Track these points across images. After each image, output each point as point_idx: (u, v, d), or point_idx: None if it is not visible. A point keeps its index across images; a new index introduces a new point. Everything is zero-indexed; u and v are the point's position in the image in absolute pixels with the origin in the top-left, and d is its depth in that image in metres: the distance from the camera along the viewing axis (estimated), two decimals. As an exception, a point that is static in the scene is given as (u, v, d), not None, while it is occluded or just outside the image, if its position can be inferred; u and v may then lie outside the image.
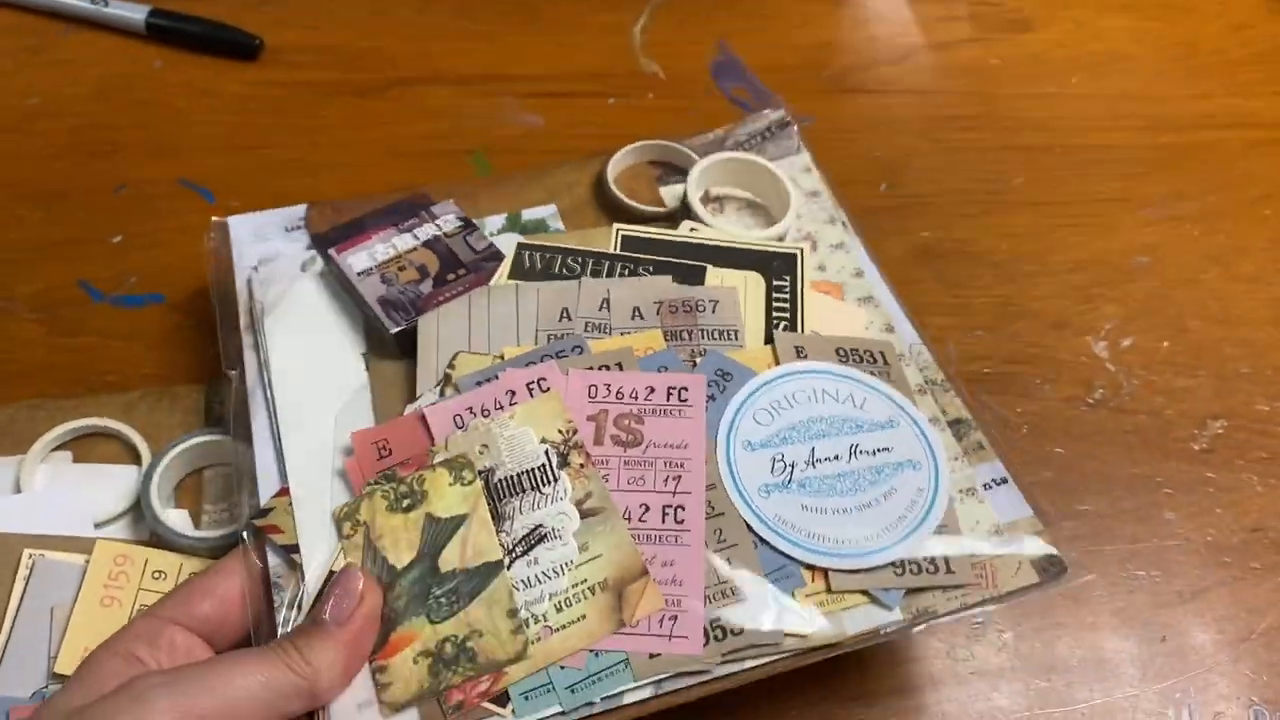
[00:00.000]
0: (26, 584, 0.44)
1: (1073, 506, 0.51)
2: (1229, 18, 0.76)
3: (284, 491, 0.43)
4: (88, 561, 0.45)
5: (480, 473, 0.42)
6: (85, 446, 0.50)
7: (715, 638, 0.39)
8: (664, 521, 0.41)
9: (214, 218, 0.53)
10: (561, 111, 0.68)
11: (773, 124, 0.57)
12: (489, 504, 0.41)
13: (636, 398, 0.44)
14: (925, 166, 0.65)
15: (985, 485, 0.44)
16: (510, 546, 0.41)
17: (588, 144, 0.62)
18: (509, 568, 0.40)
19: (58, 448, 0.50)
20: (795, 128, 0.57)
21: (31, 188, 0.63)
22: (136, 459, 0.49)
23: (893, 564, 0.41)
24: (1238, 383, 0.56)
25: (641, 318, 0.46)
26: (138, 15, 0.70)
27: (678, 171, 0.56)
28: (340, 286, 0.49)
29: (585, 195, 0.54)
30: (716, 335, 0.46)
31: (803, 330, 0.47)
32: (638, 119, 0.67)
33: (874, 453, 0.43)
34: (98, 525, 0.47)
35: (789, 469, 0.43)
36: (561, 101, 0.68)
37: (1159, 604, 0.49)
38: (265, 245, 0.51)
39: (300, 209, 0.53)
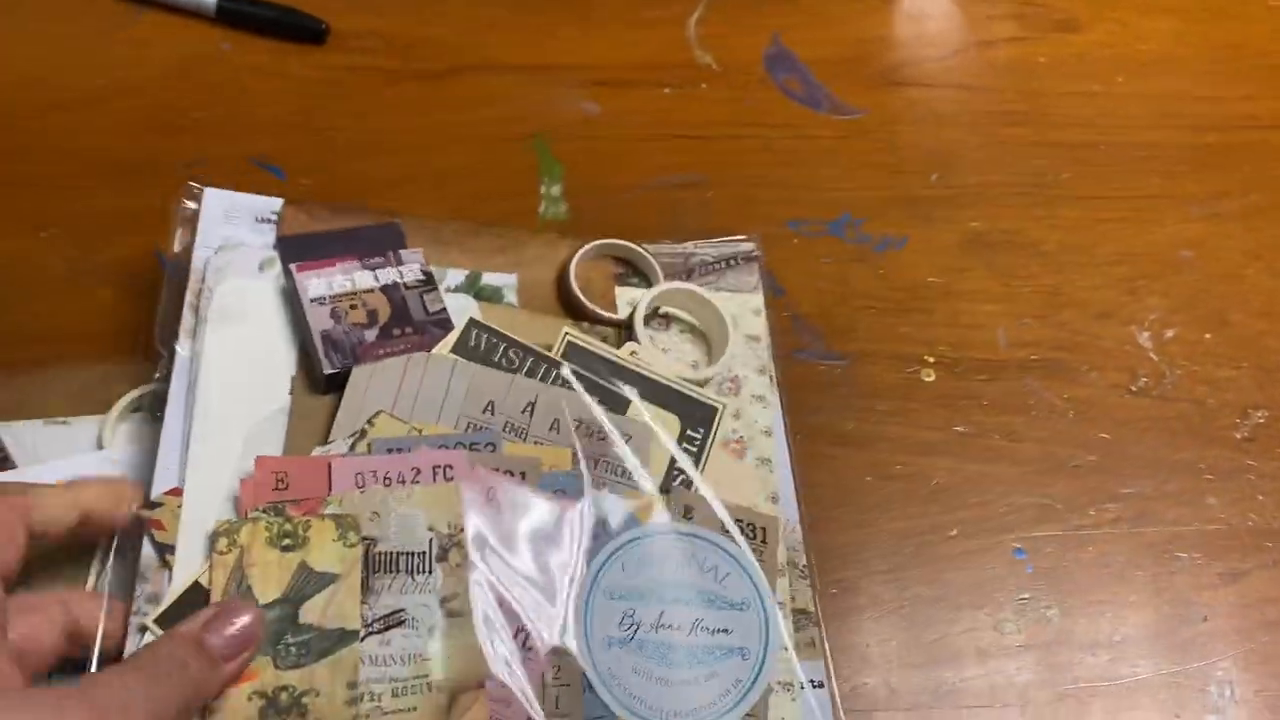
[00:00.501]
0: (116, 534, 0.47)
1: (1117, 490, 0.57)
2: (1275, 21, 0.80)
3: (176, 491, 0.47)
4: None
5: (364, 539, 0.46)
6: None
7: (528, 763, 0.44)
8: (514, 640, 0.46)
9: (192, 182, 0.54)
10: (618, 100, 0.71)
11: (741, 255, 0.60)
12: (362, 572, 0.46)
13: (529, 515, 0.47)
14: (974, 159, 0.70)
15: (804, 684, 0.49)
16: (369, 620, 0.45)
17: (645, 132, 0.69)
18: (362, 640, 0.45)
19: (136, 409, 0.53)
20: (759, 264, 0.60)
21: (108, 162, 0.65)
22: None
23: (692, 739, 0.46)
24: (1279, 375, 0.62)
25: (558, 431, 0.50)
26: None
27: (638, 273, 0.59)
28: (289, 302, 0.51)
29: (547, 275, 0.57)
30: (618, 472, 0.50)
31: (700, 488, 0.51)
32: (691, 109, 0.71)
33: (714, 632, 0.48)
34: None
35: (635, 627, 0.47)
36: (618, 90, 0.71)
37: (1200, 585, 0.55)
38: (231, 229, 0.53)
39: (275, 201, 0.55)
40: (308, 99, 0.69)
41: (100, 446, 0.51)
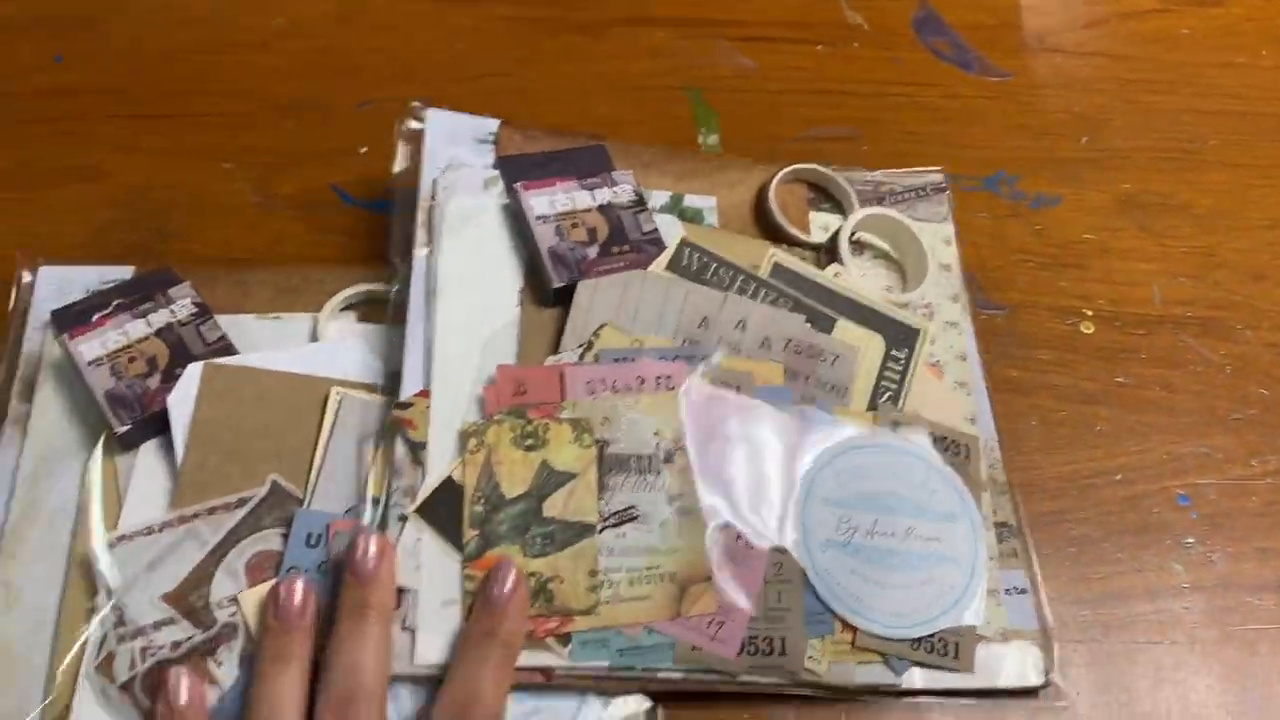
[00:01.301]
0: (335, 418, 0.52)
1: (1277, 443, 0.61)
2: None
3: (424, 393, 0.51)
4: (388, 401, 0.53)
5: (597, 441, 0.50)
6: (364, 311, 0.59)
7: (749, 650, 0.48)
8: (737, 541, 0.50)
9: (415, 102, 0.59)
10: (772, 56, 0.75)
11: (930, 185, 0.64)
12: (596, 471, 0.50)
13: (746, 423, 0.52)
14: (1122, 124, 0.73)
15: (1008, 590, 0.53)
16: (605, 515, 0.49)
17: (796, 85, 0.74)
18: (599, 533, 0.49)
19: (344, 308, 0.58)
20: (948, 194, 0.64)
21: (285, 99, 0.70)
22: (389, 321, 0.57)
23: (911, 640, 0.50)
24: None
25: (769, 349, 0.54)
26: None
27: (830, 199, 0.63)
28: (513, 219, 0.56)
29: (744, 198, 0.61)
30: (828, 387, 0.54)
31: (904, 405, 0.55)
32: (844, 66, 0.75)
33: (927, 540, 0.52)
34: (390, 376, 0.54)
35: (851, 532, 0.52)
36: (772, 46, 0.76)
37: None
38: (455, 150, 0.58)
39: (492, 123, 0.59)
40: (470, 46, 0.74)
41: (314, 339, 0.57)
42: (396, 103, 0.68)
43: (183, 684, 0.45)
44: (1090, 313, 0.65)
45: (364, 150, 0.68)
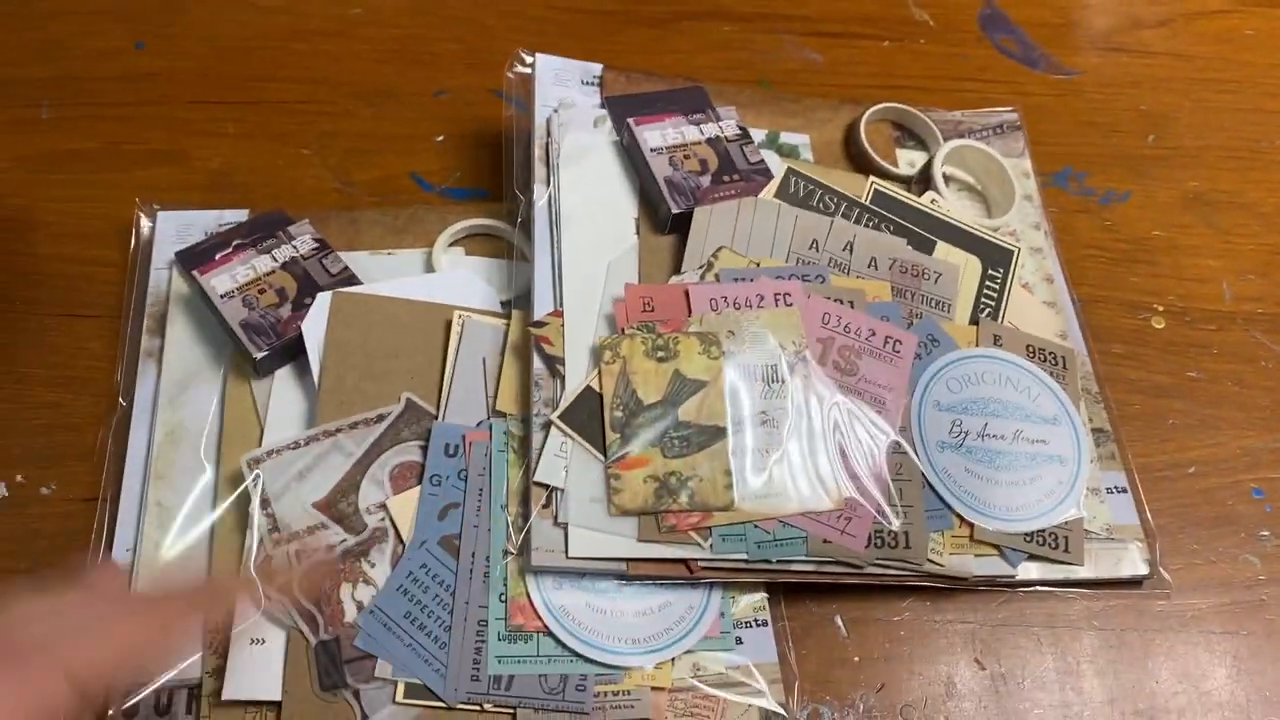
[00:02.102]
0: (460, 339, 0.56)
1: None
2: None
3: (558, 313, 0.55)
4: (506, 325, 0.57)
5: (724, 352, 0.54)
6: (469, 245, 0.64)
7: (875, 544, 0.52)
8: (860, 442, 0.54)
9: (523, 50, 0.64)
10: (839, 50, 0.79)
11: (1006, 123, 0.70)
12: (726, 379, 0.53)
13: (860, 335, 0.56)
14: (1189, 123, 0.76)
15: (1109, 489, 0.57)
16: (737, 420, 0.53)
17: (864, 80, 0.76)
18: (732, 436, 0.52)
19: (453, 243, 0.62)
20: (1024, 132, 0.70)
21: (362, 87, 0.74)
22: (518, 256, 0.61)
23: (1025, 533, 0.54)
24: None
25: (875, 268, 0.59)
26: None
27: (913, 137, 0.68)
28: (628, 151, 0.61)
29: (835, 135, 0.67)
30: (933, 303, 0.59)
31: (1003, 320, 0.60)
32: (911, 62, 0.79)
33: (1033, 441, 0.56)
34: (502, 302, 0.59)
35: (964, 434, 0.56)
36: (839, 41, 0.79)
37: None
38: (563, 90, 0.63)
39: (595, 66, 0.65)
40: (542, 38, 0.78)
41: (430, 272, 0.61)
42: (471, 92, 0.74)
43: None
44: (1161, 308, 0.67)
45: (440, 139, 0.71)
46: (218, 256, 0.58)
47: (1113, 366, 0.64)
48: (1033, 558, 0.54)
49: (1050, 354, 0.59)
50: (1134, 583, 0.56)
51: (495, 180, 0.68)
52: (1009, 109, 0.71)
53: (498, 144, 0.69)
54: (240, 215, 0.63)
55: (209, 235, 0.61)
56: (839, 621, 0.55)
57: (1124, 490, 0.58)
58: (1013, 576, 0.54)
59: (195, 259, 0.58)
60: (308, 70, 0.75)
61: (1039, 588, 0.55)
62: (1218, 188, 0.73)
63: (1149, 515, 0.57)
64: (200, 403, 0.56)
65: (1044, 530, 0.55)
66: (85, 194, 0.67)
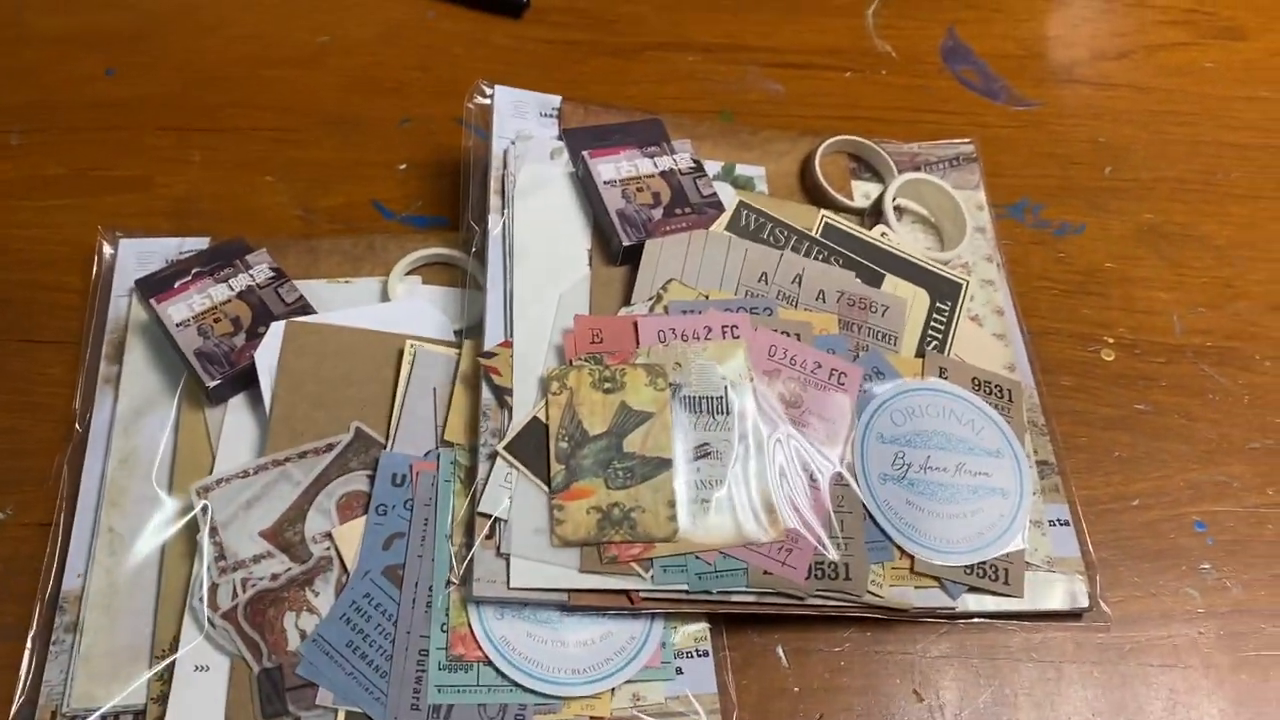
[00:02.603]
0: (411, 369, 0.57)
1: None
2: None
3: (507, 344, 0.56)
4: (458, 355, 0.58)
5: (670, 384, 0.55)
6: (425, 274, 0.65)
7: (816, 575, 0.53)
8: (802, 474, 0.55)
9: (483, 81, 0.65)
10: (802, 82, 0.80)
11: (962, 155, 0.71)
12: (670, 411, 0.54)
13: (805, 368, 0.57)
14: (1146, 154, 0.77)
15: (1051, 522, 0.58)
16: (681, 451, 0.54)
17: (826, 111, 0.77)
18: (676, 467, 0.53)
19: (410, 272, 0.63)
20: (979, 164, 0.71)
21: (328, 115, 0.75)
22: (471, 285, 0.62)
23: (965, 566, 0.55)
24: None
25: (824, 301, 0.59)
26: None
27: (869, 169, 0.69)
28: (582, 184, 0.62)
29: (791, 167, 0.68)
30: (880, 336, 0.60)
31: (949, 353, 0.61)
32: (872, 93, 0.80)
33: (975, 474, 0.57)
34: (456, 331, 0.60)
35: (906, 467, 0.56)
36: (801, 73, 0.81)
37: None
38: (522, 122, 0.64)
39: (554, 98, 0.66)
40: (508, 67, 0.79)
41: (386, 301, 0.62)
42: (436, 121, 0.75)
43: None
44: (1111, 340, 0.67)
45: (403, 167, 0.72)
46: (176, 285, 0.59)
47: (1061, 399, 0.64)
48: (973, 590, 0.55)
49: (996, 387, 0.60)
50: (1074, 615, 0.57)
51: (455, 208, 0.69)
52: (965, 141, 0.72)
53: (459, 173, 0.70)
54: (201, 243, 0.64)
55: (169, 263, 0.62)
56: (780, 652, 0.55)
57: (1066, 523, 0.58)
58: (953, 608, 0.55)
59: (154, 287, 0.59)
60: (276, 98, 0.76)
61: (978, 619, 0.56)
62: (1171, 220, 0.74)
63: (1091, 548, 0.58)
64: (155, 430, 0.57)
65: (985, 563, 0.55)
66: (51, 220, 0.68)
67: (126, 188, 0.70)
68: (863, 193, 0.68)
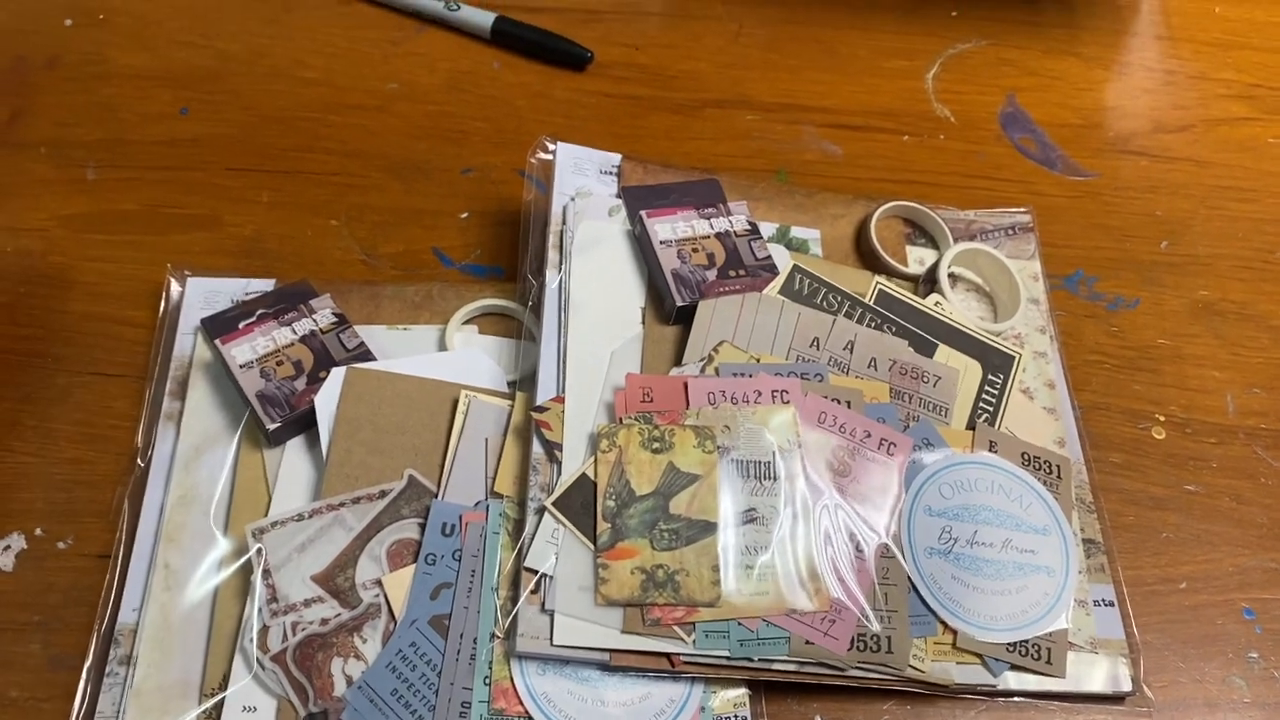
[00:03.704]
0: (465, 419, 0.58)
1: None
2: None
3: (559, 399, 0.57)
4: (510, 406, 0.59)
5: (718, 447, 0.55)
6: (482, 324, 0.66)
7: (858, 647, 0.53)
8: (848, 545, 0.55)
9: (546, 138, 0.66)
10: (859, 144, 0.80)
11: (1018, 224, 0.71)
12: (718, 475, 0.55)
13: (855, 436, 0.57)
14: (1203, 230, 0.76)
15: (1096, 602, 0.58)
16: (727, 516, 0.54)
17: (880, 174, 0.78)
18: (721, 532, 0.54)
19: (466, 321, 0.65)
20: (1035, 234, 0.71)
21: (394, 161, 0.77)
22: (527, 336, 0.64)
23: (1008, 643, 0.55)
24: None
25: (875, 369, 0.60)
26: (485, 21, 0.83)
27: (924, 234, 0.70)
28: (639, 242, 0.63)
29: (846, 230, 0.69)
30: (931, 407, 0.60)
31: (1000, 426, 0.61)
32: (928, 157, 0.80)
33: (1022, 551, 0.57)
34: (510, 382, 0.61)
35: (953, 541, 0.56)
36: (858, 134, 0.81)
37: None
38: (582, 179, 0.65)
39: (614, 156, 0.67)
40: (569, 120, 0.81)
41: (443, 349, 0.64)
42: (497, 171, 0.77)
43: None
44: (1162, 418, 0.67)
45: (465, 215, 0.74)
46: (241, 326, 0.61)
47: (1109, 475, 0.64)
48: (1014, 667, 0.55)
49: (1045, 462, 0.60)
50: (1116, 699, 0.56)
51: (513, 259, 0.70)
52: (1022, 210, 0.72)
53: (518, 223, 0.71)
54: (267, 284, 0.66)
55: (235, 303, 0.63)
56: (818, 720, 0.56)
57: (1111, 604, 0.58)
58: (994, 685, 0.55)
59: (220, 327, 0.61)
60: (343, 143, 0.77)
61: (1019, 698, 0.55)
62: (1228, 298, 0.73)
63: (1135, 630, 0.57)
64: (214, 468, 0.58)
65: (1028, 641, 0.55)
66: (122, 255, 0.70)
67: (196, 225, 0.72)
68: (917, 258, 0.68)
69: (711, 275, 0.61)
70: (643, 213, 0.62)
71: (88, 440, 0.62)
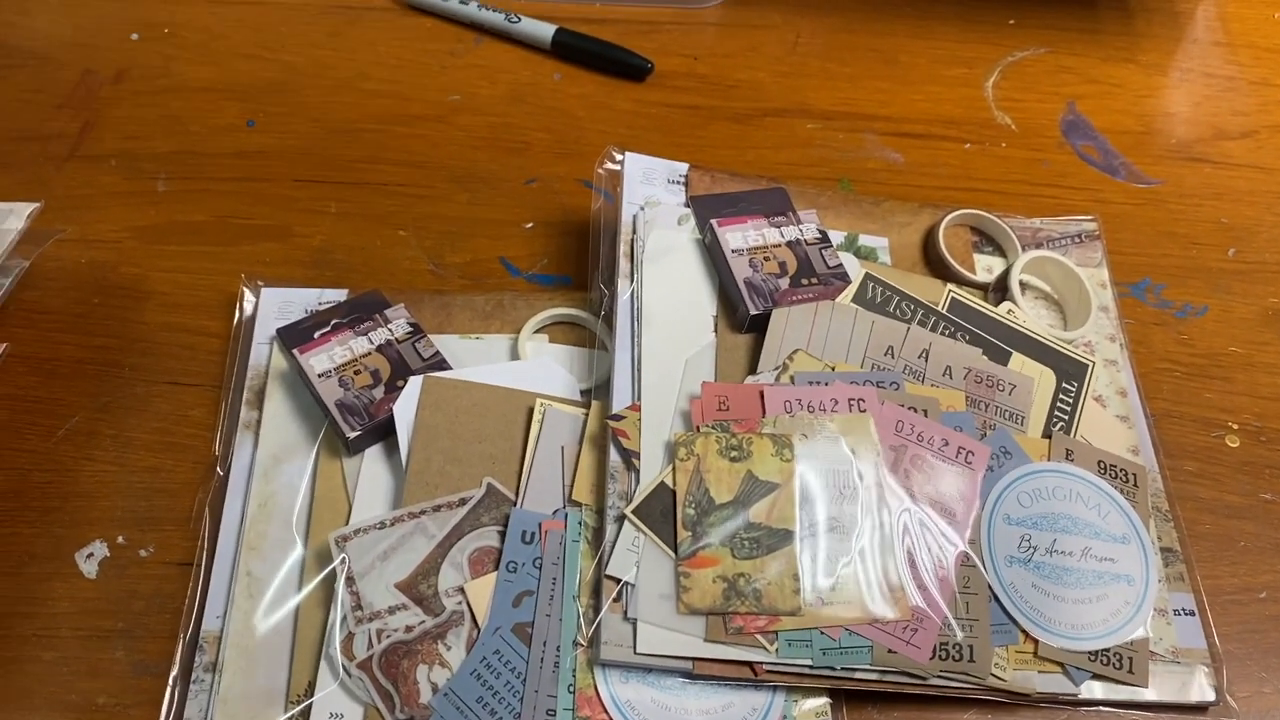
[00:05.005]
0: (541, 427, 0.58)
1: None
2: None
3: (635, 407, 0.57)
4: (585, 414, 0.59)
5: (796, 456, 0.55)
6: (552, 333, 0.66)
7: (940, 655, 0.52)
8: (929, 553, 0.54)
9: (614, 148, 0.66)
10: (920, 152, 0.80)
11: (1085, 232, 0.70)
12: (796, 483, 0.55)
13: (932, 445, 0.57)
14: (1271, 237, 0.75)
15: (1176, 611, 0.57)
16: (807, 524, 0.54)
17: (944, 182, 0.77)
18: (801, 540, 0.53)
19: (536, 330, 0.65)
20: (1102, 242, 0.70)
21: (458, 172, 0.77)
22: (598, 346, 0.64)
23: (1089, 652, 0.54)
24: None
25: (950, 377, 0.59)
26: (546, 32, 0.84)
27: (991, 243, 0.69)
28: (709, 251, 0.63)
29: (913, 239, 0.68)
30: (1007, 415, 0.59)
31: (1075, 434, 0.60)
32: (991, 165, 0.79)
33: (1101, 559, 0.56)
34: (582, 391, 0.61)
35: (1032, 550, 0.56)
36: (920, 143, 0.81)
37: None
38: (650, 188, 0.65)
39: (682, 165, 0.67)
40: (630, 131, 0.80)
41: (515, 357, 0.64)
42: (560, 181, 0.77)
43: None
44: (1235, 426, 0.66)
45: (530, 225, 0.74)
46: (316, 335, 0.61)
47: (1184, 484, 0.63)
48: (1096, 677, 0.54)
49: (1121, 470, 0.59)
50: (1200, 709, 0.55)
51: (579, 267, 0.70)
52: (1089, 218, 0.71)
53: (583, 232, 0.71)
54: (339, 294, 0.66)
55: (309, 313, 0.64)
56: (900, 731, 0.55)
57: (1192, 613, 0.57)
58: (1075, 695, 0.54)
59: (296, 337, 0.61)
60: (408, 154, 0.78)
61: (1102, 708, 0.55)
62: (1299, 304, 0.73)
63: (1217, 639, 0.57)
64: (293, 476, 0.58)
65: (1109, 650, 0.54)
66: (195, 265, 0.71)
67: (265, 236, 0.72)
68: (985, 266, 0.68)
69: (784, 283, 0.61)
70: (713, 222, 0.62)
71: (166, 449, 0.63)
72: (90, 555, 0.59)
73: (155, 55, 0.83)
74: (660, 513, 0.54)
